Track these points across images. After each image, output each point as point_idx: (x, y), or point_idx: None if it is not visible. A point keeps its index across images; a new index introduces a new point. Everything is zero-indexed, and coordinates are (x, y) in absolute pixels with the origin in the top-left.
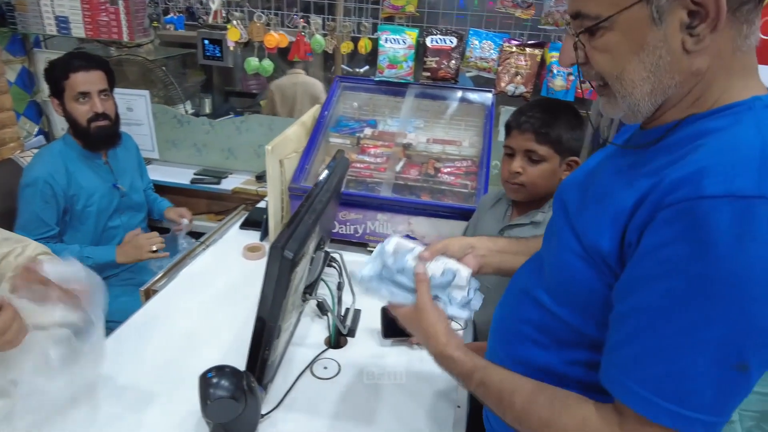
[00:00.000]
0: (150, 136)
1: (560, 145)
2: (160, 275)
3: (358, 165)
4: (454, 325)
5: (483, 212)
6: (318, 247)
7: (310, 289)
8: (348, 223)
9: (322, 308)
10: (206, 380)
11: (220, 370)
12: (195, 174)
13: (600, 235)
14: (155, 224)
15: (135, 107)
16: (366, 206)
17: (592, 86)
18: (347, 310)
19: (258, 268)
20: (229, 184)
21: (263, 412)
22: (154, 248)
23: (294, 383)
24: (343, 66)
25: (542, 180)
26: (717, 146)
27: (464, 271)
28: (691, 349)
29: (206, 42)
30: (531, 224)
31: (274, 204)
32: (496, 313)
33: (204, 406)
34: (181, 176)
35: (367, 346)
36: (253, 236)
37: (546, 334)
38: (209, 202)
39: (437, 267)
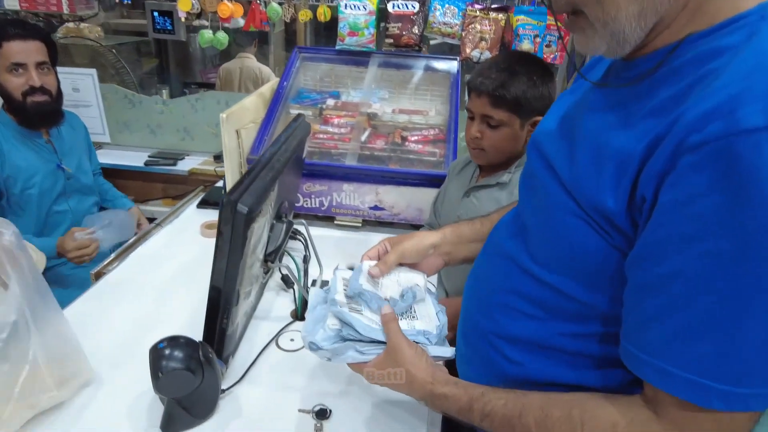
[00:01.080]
0: (100, 118)
1: (520, 107)
2: (111, 257)
3: (321, 136)
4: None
5: (451, 177)
6: (279, 217)
7: (272, 256)
8: (313, 196)
9: (287, 282)
10: (157, 352)
11: (173, 341)
12: (149, 156)
13: (601, 193)
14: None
15: (81, 87)
16: (331, 176)
17: (560, 30)
18: (314, 281)
19: None
20: (185, 165)
21: (224, 386)
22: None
23: (258, 356)
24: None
25: (503, 144)
26: (743, 67)
27: (420, 281)
28: (744, 319)
29: (156, 14)
30: (497, 185)
31: (231, 177)
32: (471, 282)
33: (155, 380)
34: (135, 160)
35: None
36: (211, 215)
37: (539, 306)
38: (165, 186)
39: (391, 286)
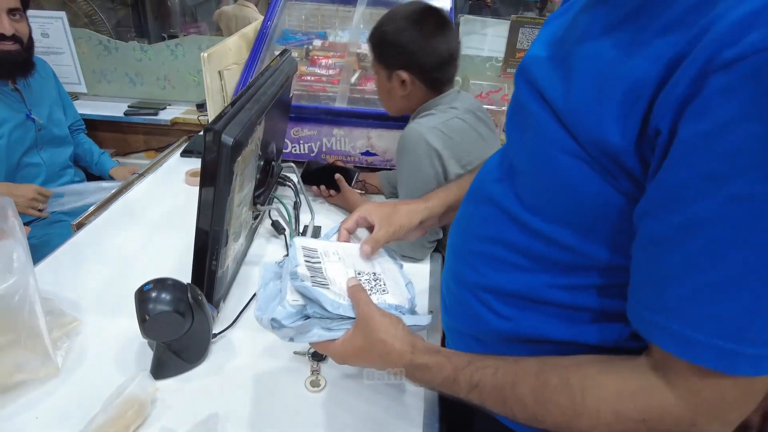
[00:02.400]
0: (73, 66)
1: (379, 53)
2: (93, 209)
3: (308, 78)
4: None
5: None
6: (267, 160)
7: (261, 199)
8: (301, 141)
9: (277, 228)
10: (143, 294)
11: (160, 283)
12: (129, 107)
13: (604, 127)
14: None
15: (51, 32)
16: (320, 120)
17: None
18: (305, 227)
19: None
20: (167, 115)
21: (216, 330)
22: (40, 207)
23: (250, 300)
24: None
25: (381, 94)
26: None
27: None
28: None
29: None
30: None
31: None
32: (454, 230)
33: (142, 323)
34: (114, 110)
35: None
36: (195, 163)
37: (528, 256)
38: (147, 138)
39: (353, 256)
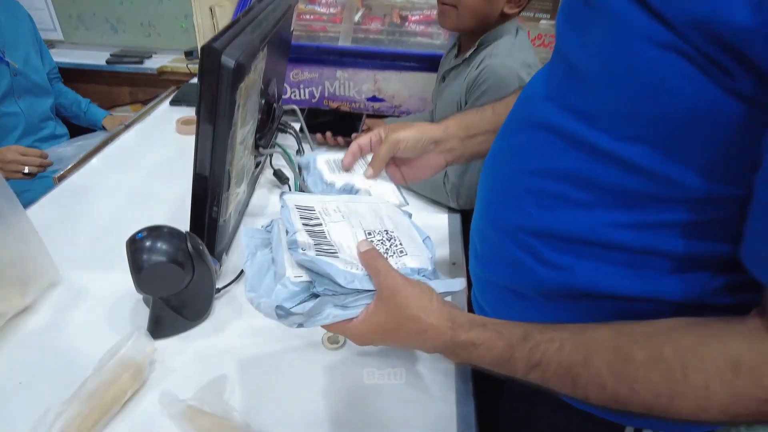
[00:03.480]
0: (47, 10)
1: None
2: (76, 161)
3: (308, 17)
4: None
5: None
6: (269, 101)
7: (263, 143)
8: (302, 86)
9: (280, 177)
10: (136, 244)
11: (155, 230)
12: (111, 55)
13: (722, 1)
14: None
15: None
16: (322, 62)
17: None
18: None
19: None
20: (153, 63)
21: (219, 285)
22: (26, 170)
23: None
24: None
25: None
26: None
27: (392, 196)
28: None
29: None
30: (464, 63)
31: None
32: (490, 168)
33: (136, 276)
34: (94, 60)
35: None
36: (187, 112)
37: (592, 187)
38: (132, 89)
39: (359, 209)
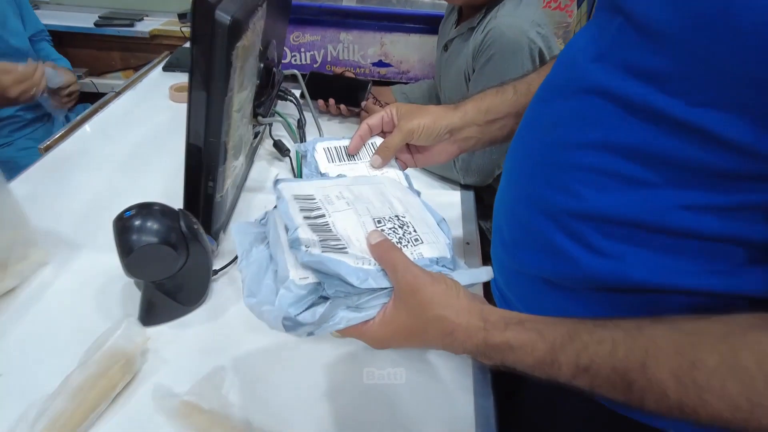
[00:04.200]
0: None
1: None
2: (64, 130)
3: None
4: None
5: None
6: (267, 66)
7: (262, 110)
8: (303, 49)
9: (281, 149)
10: (124, 222)
11: (145, 208)
12: (100, 17)
13: None
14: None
15: None
16: (324, 23)
17: None
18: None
19: None
20: (145, 27)
21: (216, 266)
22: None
23: None
24: None
25: None
26: None
27: (396, 174)
28: None
29: None
30: (468, 31)
31: None
32: (525, 138)
33: (124, 259)
34: (83, 21)
35: None
36: (180, 78)
37: (658, 164)
38: (123, 54)
39: (363, 190)
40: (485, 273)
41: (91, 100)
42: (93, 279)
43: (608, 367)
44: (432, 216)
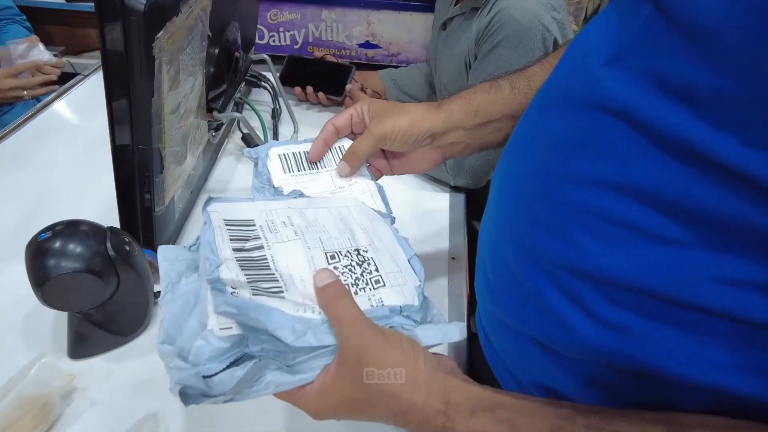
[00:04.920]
0: None
1: None
2: (19, 121)
3: None
4: None
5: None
6: (226, 48)
7: (219, 103)
8: (281, 29)
9: (249, 143)
10: (38, 246)
11: (68, 228)
12: None
13: None
14: None
15: None
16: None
17: None
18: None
19: None
20: None
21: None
22: (25, 93)
23: None
24: None
25: None
26: None
27: (367, 197)
28: None
29: None
30: (472, 11)
31: None
32: (513, 166)
33: (38, 290)
34: None
35: None
36: None
37: (687, 217)
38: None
39: (320, 214)
40: (457, 331)
41: (67, 81)
42: (22, 301)
43: None
44: (402, 250)
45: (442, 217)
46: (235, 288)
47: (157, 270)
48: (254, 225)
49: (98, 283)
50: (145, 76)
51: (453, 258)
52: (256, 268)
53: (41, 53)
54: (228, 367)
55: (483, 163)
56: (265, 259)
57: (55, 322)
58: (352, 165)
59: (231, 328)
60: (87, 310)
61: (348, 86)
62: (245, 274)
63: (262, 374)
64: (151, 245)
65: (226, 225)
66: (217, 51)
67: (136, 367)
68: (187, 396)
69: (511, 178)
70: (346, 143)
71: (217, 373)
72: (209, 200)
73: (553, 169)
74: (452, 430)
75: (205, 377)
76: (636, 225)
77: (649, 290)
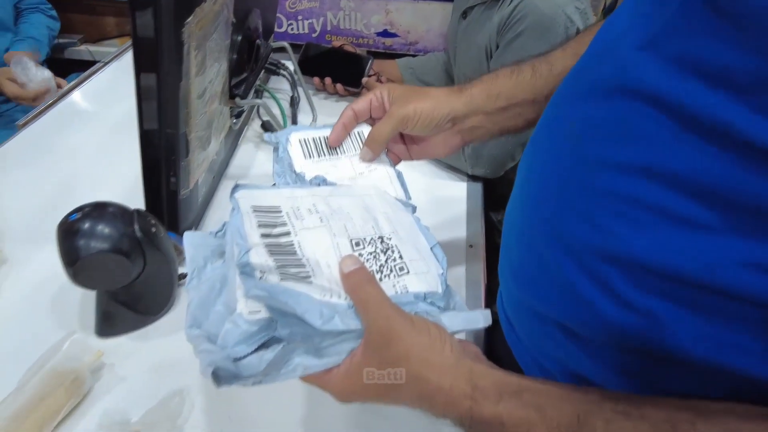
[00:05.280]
0: None
1: None
2: (43, 107)
3: None
4: None
5: None
6: (248, 35)
7: (241, 89)
8: (300, 17)
9: (268, 129)
10: (68, 227)
11: (96, 210)
12: None
13: None
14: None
15: None
16: None
17: None
18: None
19: None
20: None
21: (184, 270)
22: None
23: None
24: None
25: None
26: None
27: (387, 184)
28: None
29: None
30: (493, 0)
31: None
32: (539, 153)
33: (69, 269)
34: None
35: None
36: None
37: (717, 201)
38: (118, 20)
39: (340, 199)
40: (482, 318)
41: (86, 68)
42: (51, 281)
43: None
44: (425, 238)
45: (459, 205)
46: (263, 273)
47: (181, 252)
48: (281, 212)
49: (126, 263)
50: (174, 61)
51: (471, 246)
52: (284, 253)
53: (42, 71)
54: (256, 350)
55: (501, 153)
56: (292, 245)
57: (82, 302)
58: (374, 149)
59: (260, 312)
60: (114, 289)
61: (364, 79)
62: (273, 259)
63: (290, 357)
64: (176, 228)
65: (254, 211)
66: (239, 38)
67: (160, 346)
68: (219, 378)
69: (539, 164)
70: (366, 129)
71: (246, 356)
72: (236, 187)
73: (583, 155)
74: (479, 413)
75: (234, 360)
76: (666, 210)
77: (677, 275)
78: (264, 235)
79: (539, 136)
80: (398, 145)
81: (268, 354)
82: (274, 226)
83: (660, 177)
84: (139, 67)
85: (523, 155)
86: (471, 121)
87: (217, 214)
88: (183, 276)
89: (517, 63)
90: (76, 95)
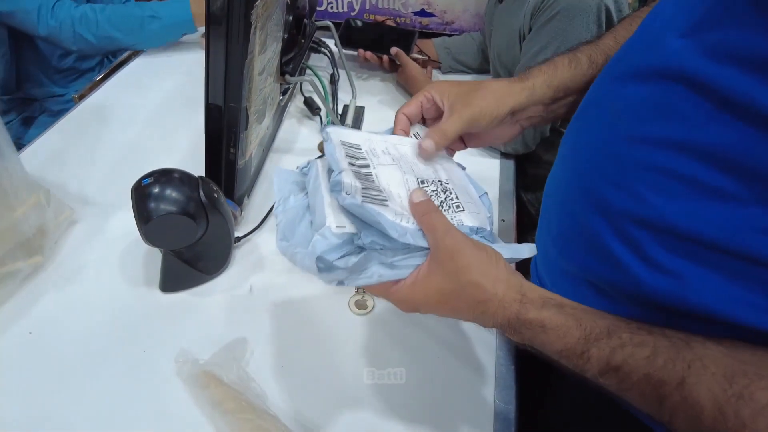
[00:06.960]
0: None
1: None
2: (97, 78)
3: None
4: None
5: None
6: (298, 16)
7: (290, 67)
8: None
9: (311, 107)
10: (142, 190)
11: (164, 176)
12: None
13: None
14: None
15: None
16: None
17: None
18: (345, 107)
19: None
20: None
21: (239, 233)
22: None
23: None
24: None
25: None
26: None
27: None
28: None
29: None
30: None
31: None
32: (583, 128)
33: (143, 226)
34: None
35: None
36: None
37: (744, 173)
38: None
39: (404, 154)
40: (527, 249)
41: None
42: (118, 241)
43: (641, 372)
44: (474, 189)
45: (493, 183)
46: (349, 192)
47: (236, 217)
48: (361, 148)
49: (192, 224)
50: (242, 40)
51: (503, 220)
52: (366, 181)
53: None
54: (342, 257)
55: (533, 130)
56: (371, 175)
57: (146, 261)
58: (438, 142)
59: (344, 227)
60: (180, 248)
61: (416, 49)
62: (360, 184)
63: (368, 265)
64: (231, 195)
65: (342, 144)
66: (291, 18)
67: (219, 301)
68: (319, 269)
69: (582, 140)
70: (421, 131)
71: (334, 261)
72: (324, 126)
73: (623, 132)
74: (525, 315)
75: (329, 267)
76: (697, 180)
77: (703, 239)
78: (350, 164)
79: (584, 111)
80: (456, 142)
81: (353, 258)
82: (357, 158)
83: (693, 151)
84: (210, 45)
85: (566, 132)
86: (529, 112)
87: (264, 185)
88: (238, 239)
89: (572, 51)
90: (132, 66)
